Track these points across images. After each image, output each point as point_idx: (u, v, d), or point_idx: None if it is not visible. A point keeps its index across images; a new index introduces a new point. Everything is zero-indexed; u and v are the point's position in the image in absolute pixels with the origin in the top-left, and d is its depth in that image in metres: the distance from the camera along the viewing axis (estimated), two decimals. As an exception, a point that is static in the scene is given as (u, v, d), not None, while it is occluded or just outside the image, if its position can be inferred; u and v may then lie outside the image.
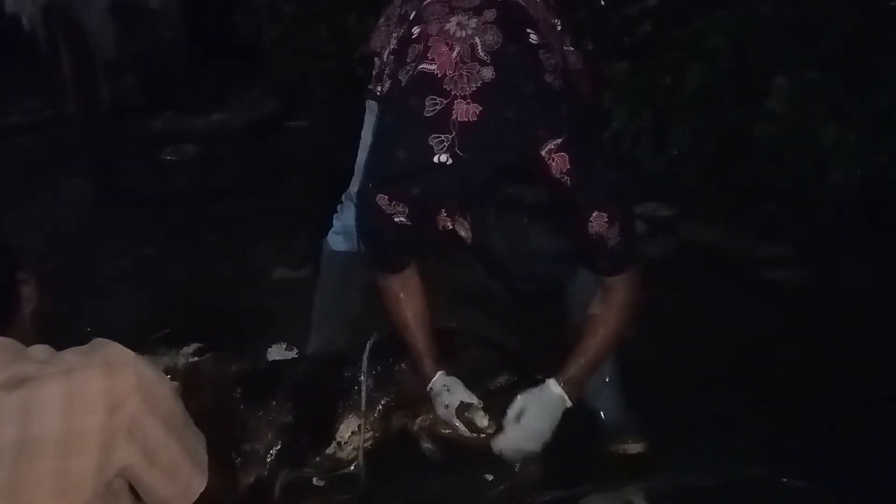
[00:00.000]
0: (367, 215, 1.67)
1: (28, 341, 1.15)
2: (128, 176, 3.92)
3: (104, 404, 1.06)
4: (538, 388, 1.68)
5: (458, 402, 1.67)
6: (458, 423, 1.68)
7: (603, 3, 3.45)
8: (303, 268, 2.85)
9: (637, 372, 1.98)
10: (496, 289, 1.52)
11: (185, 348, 1.76)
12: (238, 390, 1.72)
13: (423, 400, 1.77)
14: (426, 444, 1.82)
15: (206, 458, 1.19)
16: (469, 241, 1.54)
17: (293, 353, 2.18)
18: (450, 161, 1.52)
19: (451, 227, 1.59)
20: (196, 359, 1.76)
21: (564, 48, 1.70)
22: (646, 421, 1.93)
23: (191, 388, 1.66)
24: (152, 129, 4.83)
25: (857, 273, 2.63)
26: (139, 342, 2.31)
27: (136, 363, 1.12)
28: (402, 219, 1.59)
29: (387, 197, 1.59)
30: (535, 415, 1.66)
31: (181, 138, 4.64)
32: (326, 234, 2.15)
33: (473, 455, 1.77)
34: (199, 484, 1.17)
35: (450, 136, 1.51)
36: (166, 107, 4.99)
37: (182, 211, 3.66)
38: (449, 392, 1.69)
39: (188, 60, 5.28)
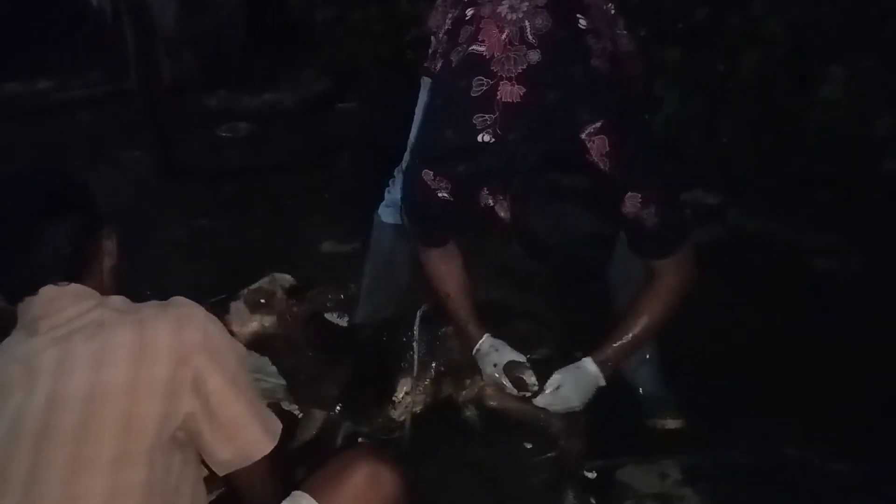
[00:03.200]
0: (413, 189, 1.73)
1: (105, 294, 1.19)
2: (185, 150, 4.05)
3: (170, 357, 1.10)
4: (574, 364, 1.71)
5: (507, 361, 1.71)
6: (505, 382, 1.72)
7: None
8: (350, 242, 2.93)
9: (680, 353, 2.00)
10: (536, 267, 1.53)
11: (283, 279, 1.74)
12: (310, 352, 1.76)
13: (469, 370, 1.82)
14: (469, 413, 1.88)
15: (279, 424, 1.18)
16: (507, 221, 1.57)
17: (343, 321, 2.25)
18: (492, 140, 1.56)
19: (492, 204, 1.62)
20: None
21: (617, 31, 1.71)
22: (685, 399, 1.96)
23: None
24: (208, 107, 4.96)
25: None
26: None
27: (206, 322, 1.14)
28: (445, 194, 1.64)
29: (431, 173, 1.64)
30: (569, 388, 1.69)
31: (235, 116, 4.76)
32: (374, 210, 2.21)
33: (515, 424, 1.83)
34: (263, 446, 1.15)
35: (493, 116, 1.55)
36: (221, 85, 5.11)
37: (235, 185, 3.77)
38: (497, 352, 1.74)
39: (243, 40, 5.39)
